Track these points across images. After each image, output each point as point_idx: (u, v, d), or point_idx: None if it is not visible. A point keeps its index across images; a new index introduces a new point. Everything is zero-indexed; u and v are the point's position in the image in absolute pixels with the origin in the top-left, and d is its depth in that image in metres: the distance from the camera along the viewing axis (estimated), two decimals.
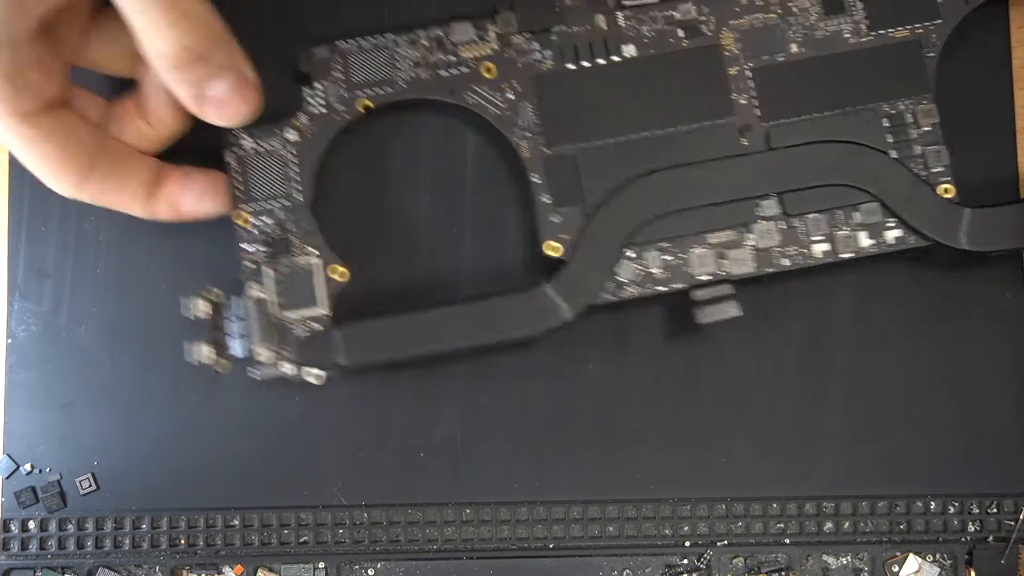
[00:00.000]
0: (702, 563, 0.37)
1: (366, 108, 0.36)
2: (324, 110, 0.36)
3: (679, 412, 0.38)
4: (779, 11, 0.37)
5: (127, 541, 0.37)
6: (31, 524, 0.37)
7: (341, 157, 0.37)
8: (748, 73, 0.37)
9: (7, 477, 0.37)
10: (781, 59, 0.37)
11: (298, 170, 0.36)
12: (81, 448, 0.37)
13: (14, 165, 0.37)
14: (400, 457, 0.37)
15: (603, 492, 0.37)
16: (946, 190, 0.36)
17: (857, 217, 0.36)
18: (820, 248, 0.36)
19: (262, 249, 0.35)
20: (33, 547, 0.37)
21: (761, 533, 0.37)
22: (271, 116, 0.35)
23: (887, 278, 0.38)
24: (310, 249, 0.36)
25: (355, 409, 0.37)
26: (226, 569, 0.37)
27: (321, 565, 0.37)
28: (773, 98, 0.36)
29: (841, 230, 0.36)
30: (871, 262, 0.36)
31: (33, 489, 0.37)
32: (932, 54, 0.37)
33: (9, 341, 0.37)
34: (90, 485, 0.37)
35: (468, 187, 0.38)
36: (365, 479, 0.37)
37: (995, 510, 0.38)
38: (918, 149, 0.36)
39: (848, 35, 0.37)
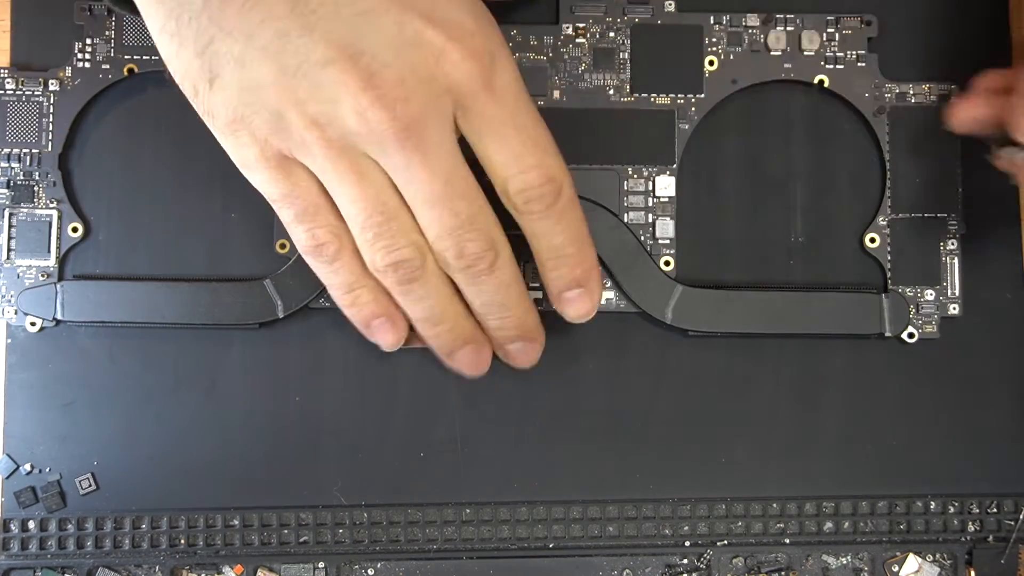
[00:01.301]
0: (702, 563, 0.37)
1: (130, 72, 0.37)
2: (89, 66, 0.37)
3: (679, 412, 0.38)
4: (550, 54, 0.37)
5: (127, 541, 0.37)
6: (31, 524, 0.37)
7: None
8: None
9: (7, 477, 0.37)
10: (540, 103, 0.37)
11: (52, 121, 0.37)
12: (81, 448, 0.37)
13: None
14: (400, 457, 0.37)
15: (603, 492, 0.37)
16: (667, 263, 0.37)
17: None
18: (533, 295, 0.36)
19: (3, 192, 0.37)
20: (33, 547, 0.37)
21: (761, 533, 0.37)
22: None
23: None
24: (51, 201, 0.37)
25: (355, 409, 0.37)
26: (226, 569, 0.37)
27: (321, 565, 0.37)
28: None
29: None
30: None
31: (33, 489, 0.37)
32: (686, 126, 0.37)
33: (9, 341, 0.37)
34: (90, 485, 0.37)
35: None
36: (365, 479, 0.37)
37: (995, 510, 0.38)
38: (650, 218, 0.37)
39: (611, 92, 0.37)
